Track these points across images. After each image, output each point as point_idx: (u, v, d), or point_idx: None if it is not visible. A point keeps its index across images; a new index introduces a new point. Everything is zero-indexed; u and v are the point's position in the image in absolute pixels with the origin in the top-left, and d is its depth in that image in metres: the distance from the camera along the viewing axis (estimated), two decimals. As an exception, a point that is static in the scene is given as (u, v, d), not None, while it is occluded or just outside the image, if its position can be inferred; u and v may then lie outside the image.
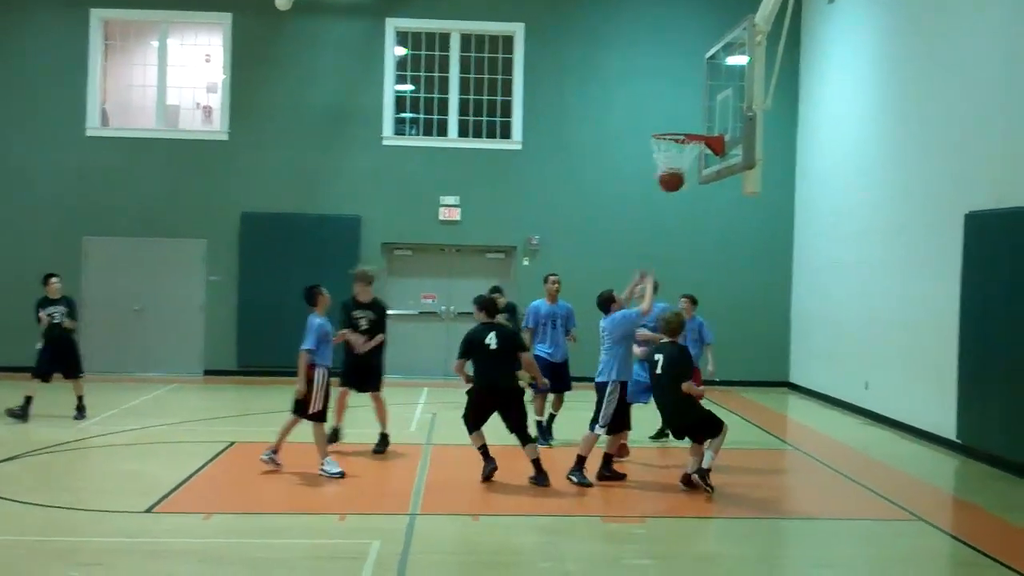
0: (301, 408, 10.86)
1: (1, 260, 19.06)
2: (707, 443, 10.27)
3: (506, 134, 20.00)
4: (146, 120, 19.89)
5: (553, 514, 9.38)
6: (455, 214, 19.69)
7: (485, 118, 20.04)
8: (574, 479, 10.56)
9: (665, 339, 10.60)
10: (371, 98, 19.71)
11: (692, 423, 10.37)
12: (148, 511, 9.05)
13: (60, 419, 13.78)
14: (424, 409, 15.72)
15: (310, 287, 11.28)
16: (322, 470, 10.73)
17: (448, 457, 12.04)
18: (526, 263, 19.69)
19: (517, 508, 9.53)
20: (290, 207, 19.37)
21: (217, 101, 19.98)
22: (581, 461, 10.62)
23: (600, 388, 10.65)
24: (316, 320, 10.97)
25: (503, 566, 7.67)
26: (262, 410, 15.17)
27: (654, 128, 14.39)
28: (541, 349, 12.94)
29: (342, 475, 10.65)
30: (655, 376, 10.49)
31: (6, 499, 9.30)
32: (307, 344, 10.77)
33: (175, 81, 19.98)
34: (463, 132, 20.04)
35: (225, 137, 19.55)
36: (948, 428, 13.03)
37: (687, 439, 10.70)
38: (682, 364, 10.35)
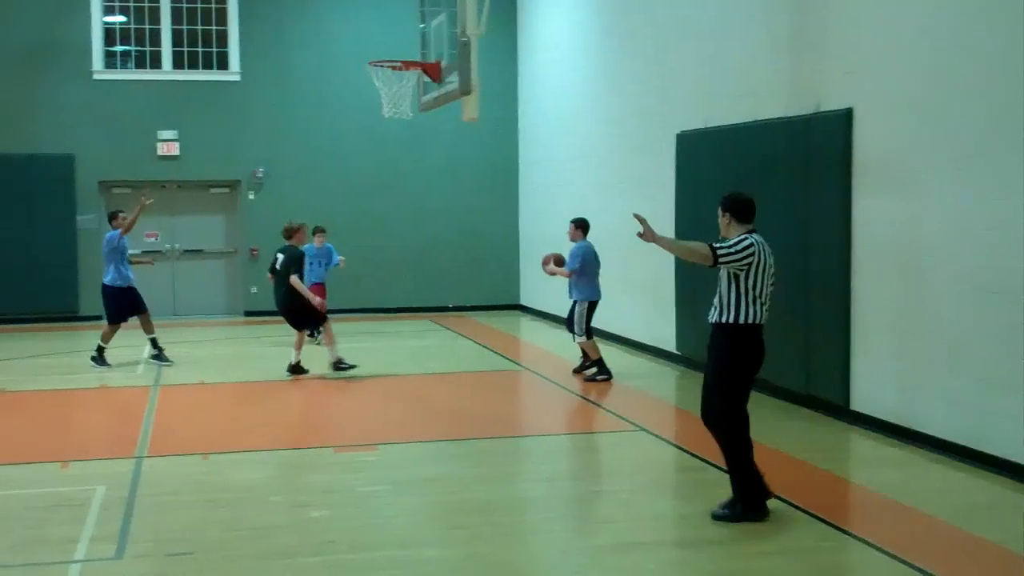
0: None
1: None
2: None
3: (224, 65, 19.48)
4: None
5: (286, 448, 9.42)
6: (174, 148, 19.10)
7: (201, 49, 19.43)
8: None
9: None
10: (78, 30, 18.75)
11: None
12: None
13: None
14: (147, 349, 15.32)
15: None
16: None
17: (177, 398, 11.83)
18: (252, 197, 19.36)
19: (249, 445, 9.50)
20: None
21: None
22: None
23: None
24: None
25: (234, 503, 7.66)
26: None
27: (376, 56, 14.43)
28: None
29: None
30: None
31: None
32: None
33: None
34: (178, 64, 19.38)
35: (-82, 74, 18.21)
36: (668, 341, 13.80)
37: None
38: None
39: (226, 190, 19.65)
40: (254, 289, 18.80)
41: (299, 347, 12.97)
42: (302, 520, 7.25)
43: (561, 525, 7.37)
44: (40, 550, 6.60)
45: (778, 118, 11.13)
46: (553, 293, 18.52)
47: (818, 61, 10.56)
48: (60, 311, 18.37)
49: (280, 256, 12.92)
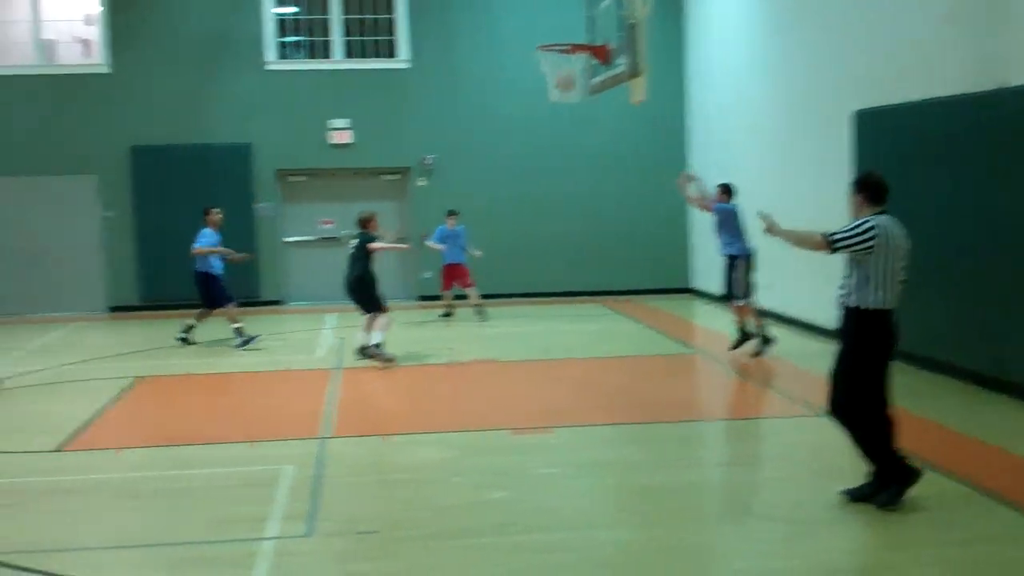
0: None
1: None
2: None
3: (393, 53, 19.88)
4: (23, 56, 19.32)
5: (463, 429, 9.62)
6: (346, 137, 19.60)
7: (371, 38, 19.87)
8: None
9: None
10: (251, 22, 19.39)
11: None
12: (59, 449, 9.08)
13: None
14: (330, 335, 15.82)
15: None
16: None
17: (357, 380, 12.20)
18: (422, 183, 19.73)
19: (427, 426, 9.74)
20: (179, 138, 19.08)
21: (95, 34, 19.47)
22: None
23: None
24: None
25: (415, 483, 7.88)
26: (167, 344, 15.10)
27: (541, 40, 14.52)
28: None
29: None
30: None
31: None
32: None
33: (50, 15, 19.41)
34: (349, 53, 19.86)
35: (107, 70, 19.11)
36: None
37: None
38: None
39: (397, 177, 20.07)
40: (427, 274, 19.12)
41: (369, 329, 13.09)
42: (481, 501, 7.41)
43: (737, 510, 7.34)
44: (234, 527, 6.93)
45: (961, 94, 10.75)
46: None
47: (1005, 31, 10.16)
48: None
49: (354, 242, 13.28)
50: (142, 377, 12.49)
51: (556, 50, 13.70)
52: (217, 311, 14.90)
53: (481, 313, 17.03)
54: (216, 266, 14.75)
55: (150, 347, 15.09)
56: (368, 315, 13.15)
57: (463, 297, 17.12)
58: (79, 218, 18.95)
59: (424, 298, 19.33)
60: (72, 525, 7.16)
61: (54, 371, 13.23)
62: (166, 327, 16.47)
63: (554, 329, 16.19)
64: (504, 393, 11.64)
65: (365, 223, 13.32)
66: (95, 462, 8.78)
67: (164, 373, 12.83)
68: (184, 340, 14.82)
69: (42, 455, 8.92)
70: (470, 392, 11.77)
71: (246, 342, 14.47)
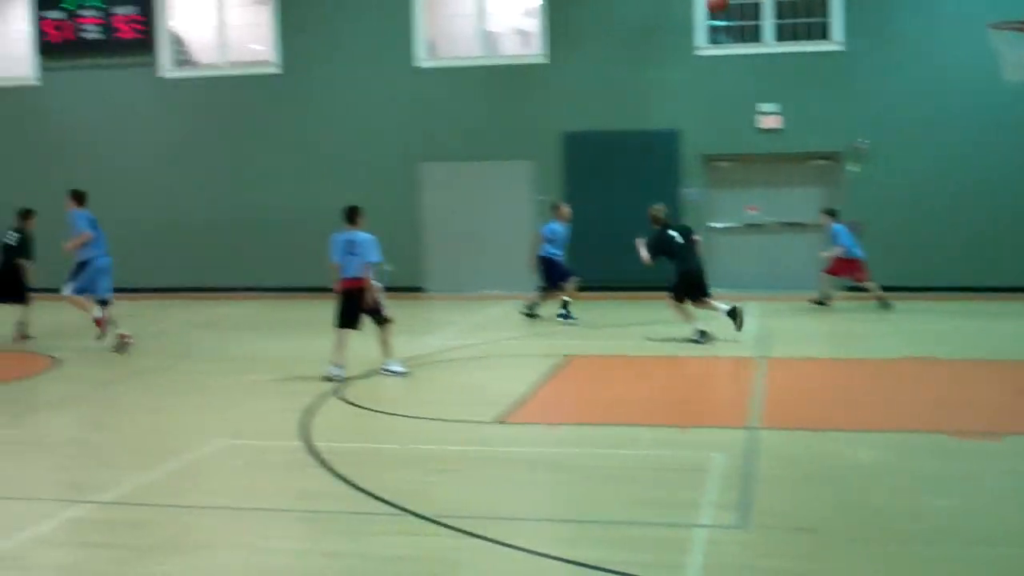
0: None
1: (343, 189, 20.30)
2: None
3: (826, 35, 19.25)
4: (468, 48, 20.54)
5: (897, 429, 9.16)
6: (775, 122, 19.21)
7: (803, 20, 19.35)
8: None
9: None
10: (683, 8, 19.45)
11: None
12: (497, 421, 9.56)
13: (414, 335, 14.72)
14: (756, 324, 15.63)
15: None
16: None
17: (784, 371, 11.96)
18: (854, 168, 18.98)
19: (861, 424, 9.37)
20: (610, 124, 19.52)
21: (534, 25, 20.33)
22: None
23: None
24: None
25: (849, 482, 7.59)
26: (596, 324, 15.54)
27: (989, 16, 13.53)
28: None
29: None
30: None
31: (375, 410, 10.08)
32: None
33: (494, 8, 20.48)
34: (780, 36, 19.46)
35: (544, 60, 19.91)
36: None
37: None
38: None
39: (826, 162, 19.46)
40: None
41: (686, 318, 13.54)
42: (922, 507, 7.00)
43: None
44: (664, 510, 6.97)
45: None
46: None
47: None
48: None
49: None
50: (572, 356, 12.91)
51: (1011, 27, 12.70)
52: (555, 293, 16.18)
53: (886, 305, 16.51)
54: (554, 252, 16.17)
55: (577, 327, 15.58)
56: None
57: (859, 289, 16.70)
58: (514, 202, 19.89)
59: (851, 289, 18.64)
60: (508, 495, 7.50)
61: (490, 345, 13.99)
62: (593, 308, 16.96)
63: (981, 327, 15.08)
64: (939, 393, 10.96)
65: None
66: (530, 435, 9.17)
67: (594, 352, 13.21)
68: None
69: (481, 425, 9.43)
70: (902, 390, 11.18)
71: (566, 317, 15.79)
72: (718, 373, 12.19)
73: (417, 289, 19.91)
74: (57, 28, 21.45)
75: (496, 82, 20.04)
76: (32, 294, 15.57)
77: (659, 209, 14.52)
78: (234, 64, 21.27)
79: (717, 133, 19.35)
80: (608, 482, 7.70)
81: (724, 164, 19.68)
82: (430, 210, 20.29)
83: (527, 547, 6.24)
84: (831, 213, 17.44)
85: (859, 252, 16.92)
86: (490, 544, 6.33)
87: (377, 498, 7.23)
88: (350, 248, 11.67)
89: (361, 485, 7.54)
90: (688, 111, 19.36)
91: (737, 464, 7.96)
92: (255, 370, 12.49)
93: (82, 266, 14.23)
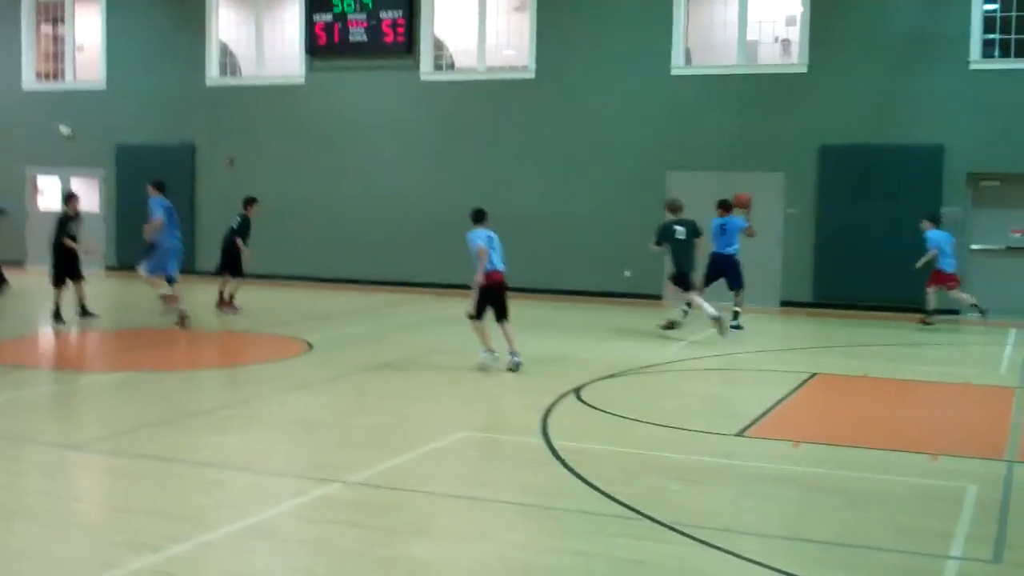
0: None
1: (590, 194, 20.46)
2: None
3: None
4: (726, 57, 20.29)
5: None
6: (1055, 139, 18.08)
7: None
8: None
9: None
10: (956, 19, 18.57)
11: None
12: (739, 434, 9.39)
13: (653, 342, 14.68)
14: (1014, 351, 14.80)
15: None
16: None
17: (1045, 402, 11.27)
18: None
19: None
20: (869, 138, 18.86)
21: (796, 34, 19.91)
22: None
23: None
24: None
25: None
26: (842, 343, 15.08)
27: None
28: None
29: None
30: None
31: (614, 414, 10.09)
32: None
33: (755, 16, 20.16)
34: (1062, 51, 18.33)
35: (803, 69, 19.43)
36: None
37: None
38: None
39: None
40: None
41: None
42: None
43: None
44: (915, 539, 6.66)
45: None
46: None
47: None
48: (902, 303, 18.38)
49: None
50: (817, 373, 12.55)
51: None
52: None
53: (982, 313, 16.87)
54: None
55: (822, 344, 15.16)
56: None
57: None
58: (763, 214, 19.41)
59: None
60: (748, 509, 7.35)
61: (728, 358, 13.77)
62: (839, 325, 16.46)
63: None
64: None
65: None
66: (773, 451, 8.95)
67: (839, 372, 12.80)
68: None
69: (724, 438, 9.28)
70: None
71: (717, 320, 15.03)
72: (970, 401, 11.58)
73: (655, 297, 19.83)
74: (326, 30, 22.48)
75: (752, 91, 19.71)
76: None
77: (676, 200, 15.96)
78: (491, 69, 21.77)
79: (986, 150, 18.38)
80: (853, 505, 7.43)
81: (990, 183, 18.67)
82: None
83: (766, 563, 6.10)
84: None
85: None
86: (729, 556, 6.22)
87: (616, 501, 7.22)
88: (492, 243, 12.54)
89: (600, 486, 7.55)
90: (955, 126, 18.47)
91: (993, 496, 7.54)
92: (498, 367, 12.72)
93: (153, 248, 15.58)
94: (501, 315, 12.57)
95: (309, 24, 22.58)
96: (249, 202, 17.89)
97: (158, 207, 15.59)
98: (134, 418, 9.61)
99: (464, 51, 22.16)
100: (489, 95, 21.48)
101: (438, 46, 22.26)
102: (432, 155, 21.84)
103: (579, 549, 6.36)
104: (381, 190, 22.09)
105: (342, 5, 22.29)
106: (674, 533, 6.59)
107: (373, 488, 7.53)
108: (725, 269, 16.52)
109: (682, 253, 15.37)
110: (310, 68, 22.89)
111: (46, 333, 15.68)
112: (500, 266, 12.43)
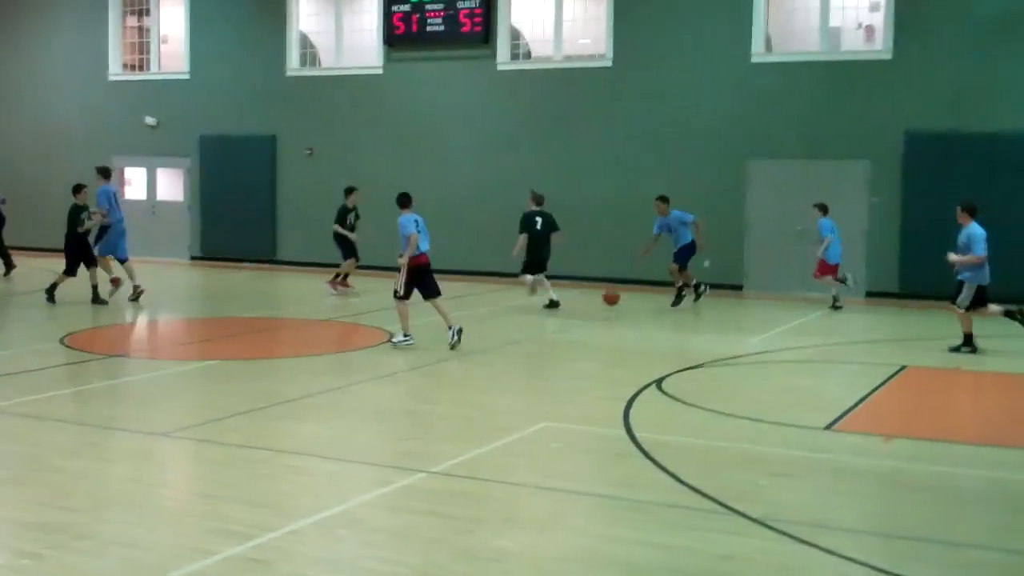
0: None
1: (668, 183, 20.22)
2: None
3: None
4: (808, 43, 19.96)
5: None
6: None
7: None
8: None
9: None
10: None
11: None
12: (827, 428, 9.21)
13: (738, 332, 14.51)
14: None
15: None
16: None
17: None
18: None
19: None
20: (958, 125, 18.40)
21: (880, 19, 19.51)
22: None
23: None
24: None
25: None
26: (931, 335, 14.75)
27: None
28: None
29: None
30: None
31: (699, 406, 9.96)
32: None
33: (837, 2, 19.80)
34: None
35: (888, 56, 19.03)
36: None
37: None
38: None
39: None
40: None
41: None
42: None
43: None
44: (1014, 536, 6.51)
45: None
46: None
47: None
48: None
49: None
50: (907, 366, 12.28)
51: None
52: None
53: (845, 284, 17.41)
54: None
55: (910, 336, 14.87)
56: None
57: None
58: (846, 202, 19.07)
59: None
60: (840, 504, 7.22)
61: (815, 350, 13.55)
62: (926, 317, 16.13)
63: None
64: None
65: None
66: (863, 445, 8.76)
67: (930, 364, 12.52)
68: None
69: (812, 431, 9.11)
70: None
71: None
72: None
73: (736, 287, 19.61)
74: (404, 20, 22.53)
75: (835, 78, 19.34)
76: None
77: (539, 193, 17.59)
78: (567, 58, 21.66)
79: (1079, 137, 17.87)
80: (946, 501, 7.27)
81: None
82: (754, 207, 19.89)
83: (860, 559, 5.98)
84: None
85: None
86: (821, 552, 6.10)
87: (703, 494, 7.12)
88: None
89: (685, 479, 7.46)
90: (1045, 113, 17.99)
91: (1097, 494, 7.33)
92: (578, 357, 12.66)
93: (104, 231, 17.06)
94: (432, 294, 13.29)
95: (387, 14, 22.65)
96: (348, 191, 18.85)
97: (102, 195, 17.03)
98: (221, 406, 9.71)
99: (540, 40, 22.08)
100: (566, 84, 21.37)
101: (514, 35, 22.20)
102: (507, 144, 21.79)
103: (666, 543, 6.28)
104: (455, 179, 22.10)
105: (421, -5, 22.34)
106: (763, 528, 6.48)
107: (457, 478, 7.52)
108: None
109: (540, 242, 17.03)
110: (388, 58, 22.97)
111: (133, 322, 15.98)
112: (426, 248, 13.17)
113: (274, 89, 23.93)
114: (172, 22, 25.50)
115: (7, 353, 12.63)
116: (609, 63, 21.01)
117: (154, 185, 25.86)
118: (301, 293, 19.47)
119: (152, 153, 25.36)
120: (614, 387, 10.67)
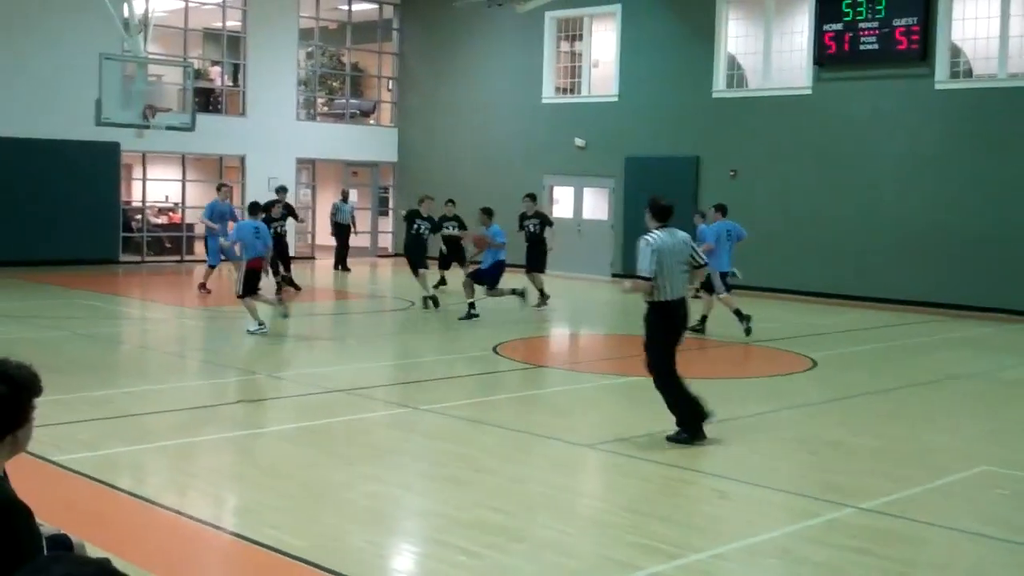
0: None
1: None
2: None
3: None
4: None
5: None
6: None
7: None
8: None
9: None
10: None
11: None
12: None
13: None
14: None
15: None
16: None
17: None
18: None
19: None
20: None
21: None
22: None
23: None
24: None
25: None
26: None
27: None
28: None
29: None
30: None
31: None
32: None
33: None
34: None
35: None
36: None
37: None
38: None
39: None
40: None
41: None
42: None
43: None
44: None
45: None
46: None
47: None
48: None
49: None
50: None
51: None
52: None
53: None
54: None
55: None
56: None
57: None
58: None
59: None
60: None
61: None
62: None
63: None
64: None
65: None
66: None
67: None
68: None
69: None
70: None
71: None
72: None
73: None
74: (835, 40, 21.93)
75: None
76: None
77: (428, 196, 19.29)
78: (1012, 76, 20.19)
79: None
80: None
81: None
82: None
83: None
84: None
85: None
86: None
87: None
88: None
89: None
90: None
91: None
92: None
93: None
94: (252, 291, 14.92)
95: (819, 34, 22.13)
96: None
97: (208, 211, 19.63)
98: (645, 422, 9.79)
99: (982, 57, 20.71)
100: (1008, 103, 19.88)
101: (954, 52, 20.98)
102: (940, 166, 20.58)
103: None
104: (883, 202, 21.18)
105: (853, 14, 21.65)
106: None
107: (888, 516, 7.15)
108: None
109: (418, 244, 18.82)
110: (817, 78, 22.44)
111: (550, 335, 16.59)
112: (262, 253, 14.87)
113: (699, 111, 24.05)
114: (603, 47, 26.32)
115: (448, 359, 13.53)
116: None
117: (580, 204, 26.75)
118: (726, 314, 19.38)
119: (580, 173, 26.27)
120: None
